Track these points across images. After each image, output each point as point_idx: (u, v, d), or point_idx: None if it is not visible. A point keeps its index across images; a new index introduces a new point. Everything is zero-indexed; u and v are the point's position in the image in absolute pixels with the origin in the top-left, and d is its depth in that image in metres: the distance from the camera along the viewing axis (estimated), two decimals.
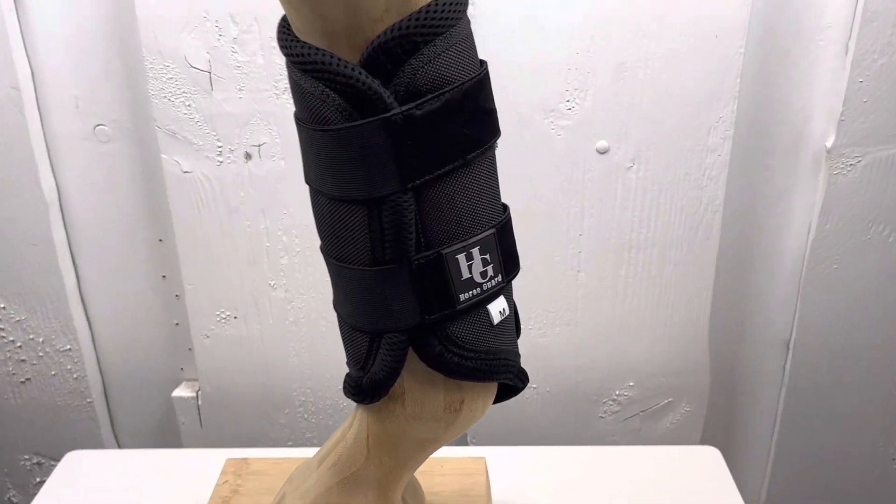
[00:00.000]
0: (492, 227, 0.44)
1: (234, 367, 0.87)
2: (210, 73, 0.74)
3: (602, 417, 0.90)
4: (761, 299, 0.89)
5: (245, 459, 0.71)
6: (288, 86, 0.74)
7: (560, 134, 0.76)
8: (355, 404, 0.50)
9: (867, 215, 0.81)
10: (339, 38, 0.39)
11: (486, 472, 0.68)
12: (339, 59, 0.39)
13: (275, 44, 0.73)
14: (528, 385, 0.87)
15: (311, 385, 0.88)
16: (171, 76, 0.74)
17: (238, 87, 0.74)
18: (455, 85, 0.40)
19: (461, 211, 0.43)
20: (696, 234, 0.81)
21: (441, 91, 0.40)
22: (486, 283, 0.44)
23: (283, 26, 0.42)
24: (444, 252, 0.42)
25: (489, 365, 0.46)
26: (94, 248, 0.85)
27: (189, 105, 0.75)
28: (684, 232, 0.81)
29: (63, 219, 0.83)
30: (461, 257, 0.43)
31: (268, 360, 0.87)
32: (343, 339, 0.48)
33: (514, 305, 0.49)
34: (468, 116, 0.41)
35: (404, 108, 0.39)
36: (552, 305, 0.84)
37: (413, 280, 0.43)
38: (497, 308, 0.46)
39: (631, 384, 0.88)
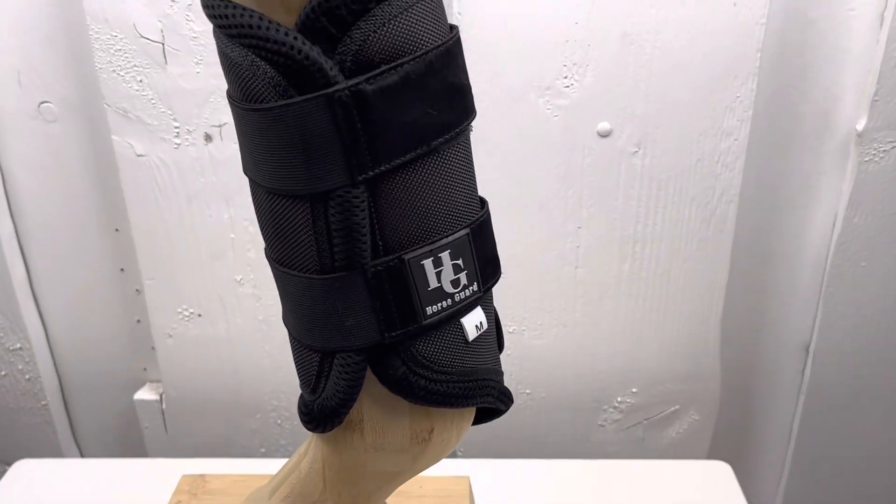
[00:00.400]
0: (465, 227, 0.37)
1: (201, 368, 0.80)
2: (163, 44, 0.66)
3: (602, 426, 0.83)
4: (779, 299, 0.81)
5: (202, 476, 0.64)
6: None
7: (557, 115, 0.68)
8: None
9: None
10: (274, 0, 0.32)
11: (471, 493, 0.62)
12: (271, 22, 0.32)
13: None
14: (522, 390, 0.81)
15: (285, 389, 0.81)
16: (119, 48, 0.66)
17: (195, 60, 0.67)
18: (417, 54, 0.33)
19: (427, 208, 0.35)
20: (709, 227, 0.73)
21: (399, 62, 0.33)
22: (458, 293, 0.37)
23: None
24: (406, 257, 0.35)
25: (463, 388, 0.39)
26: (45, 238, 0.78)
27: (141, 80, 0.67)
28: (695, 224, 0.73)
29: (9, 205, 0.76)
30: (427, 263, 0.36)
31: (237, 361, 0.80)
32: (294, 357, 0.41)
33: (496, 313, 0.41)
34: (433, 93, 0.34)
35: (351, 82, 0.32)
36: (548, 305, 0.77)
37: (370, 290, 0.36)
38: (473, 322, 0.38)
39: (634, 390, 0.81)
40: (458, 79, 0.35)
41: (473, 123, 0.37)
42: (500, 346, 0.42)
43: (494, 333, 0.41)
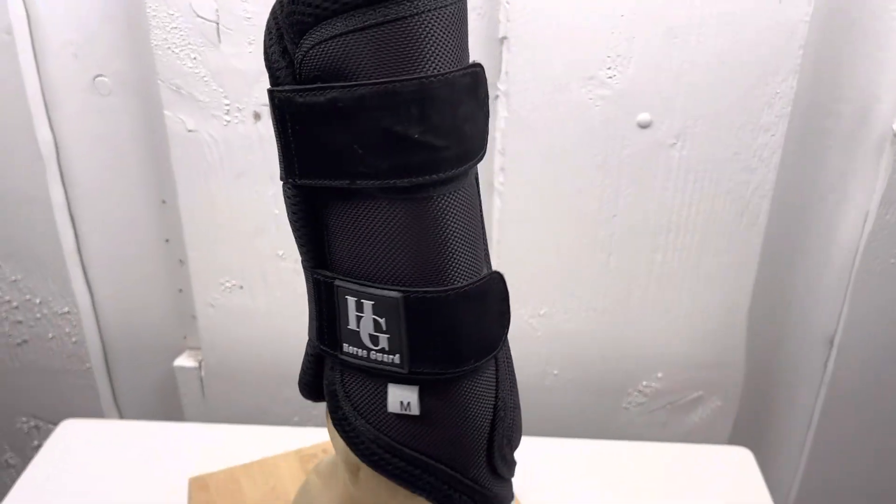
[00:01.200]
0: (398, 291, 0.34)
1: (240, 338, 0.83)
2: (217, 23, 0.68)
3: (626, 408, 0.85)
4: (807, 292, 0.82)
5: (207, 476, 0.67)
6: None
7: (598, 104, 0.70)
8: None
9: None
10: None
11: None
12: (270, 19, 0.34)
13: None
14: (550, 371, 0.83)
15: None
16: (175, 26, 0.68)
17: (248, 40, 0.68)
18: (349, 84, 0.31)
19: (364, 247, 0.34)
20: (742, 220, 0.74)
21: (329, 84, 0.32)
22: (374, 351, 0.35)
23: None
24: (336, 283, 0.35)
25: (384, 460, 0.36)
26: (94, 208, 0.80)
27: (195, 58, 0.69)
28: (729, 217, 0.74)
29: (61, 175, 0.78)
30: (351, 302, 0.35)
31: (274, 332, 0.82)
32: None
33: (513, 413, 0.39)
34: (364, 132, 0.32)
35: (284, 88, 0.33)
36: (579, 289, 0.78)
37: (315, 291, 0.37)
38: (397, 396, 0.35)
39: (659, 375, 0.83)
40: (404, 129, 0.32)
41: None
42: (513, 444, 0.40)
43: (471, 427, 0.37)
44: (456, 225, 0.34)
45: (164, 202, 0.80)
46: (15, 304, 0.83)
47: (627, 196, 0.74)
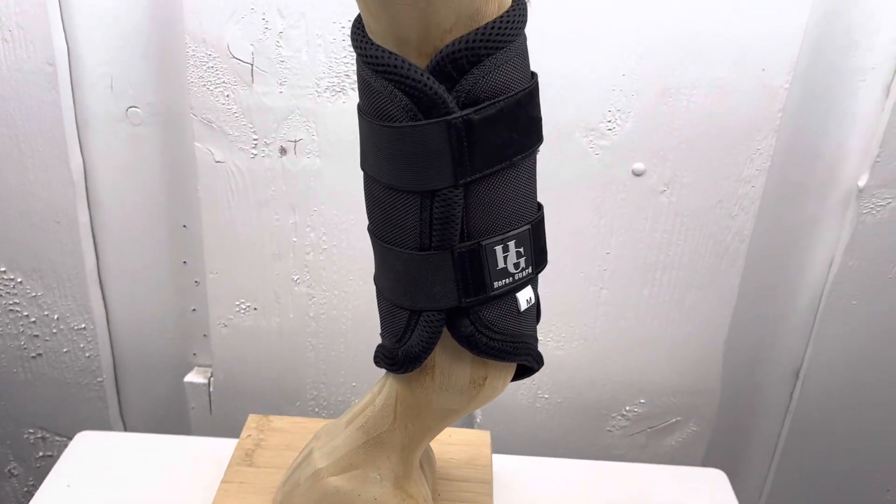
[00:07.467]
0: (528, 224, 0.47)
1: (249, 356, 0.87)
2: (252, 65, 0.73)
3: (610, 431, 0.91)
4: (777, 328, 0.90)
5: (267, 417, 0.74)
6: (329, 85, 0.74)
7: (598, 153, 0.76)
8: (384, 373, 0.54)
9: (890, 255, 0.82)
10: (411, 45, 0.42)
11: (490, 443, 0.73)
12: (410, 64, 0.42)
13: (319, 41, 0.72)
14: (541, 395, 0.89)
15: (325, 380, 0.88)
16: (212, 65, 0.73)
17: (279, 81, 0.73)
18: (509, 94, 0.43)
19: (502, 207, 0.46)
20: (722, 261, 0.81)
21: (497, 99, 0.43)
22: (517, 273, 0.47)
23: (357, 27, 0.44)
24: (483, 243, 0.46)
25: (513, 347, 0.49)
26: (117, 230, 0.84)
27: (228, 95, 0.74)
28: (711, 258, 0.81)
29: (87, 198, 0.82)
30: (498, 249, 0.46)
31: (284, 352, 0.87)
32: (381, 313, 0.51)
33: (538, 295, 0.52)
34: (518, 123, 0.44)
35: (464, 112, 0.42)
36: (572, 319, 0.85)
37: (454, 266, 0.46)
38: (525, 297, 0.49)
39: (642, 401, 0.89)
40: (535, 113, 0.46)
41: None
42: (538, 319, 0.53)
43: (536, 309, 0.52)
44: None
45: (184, 226, 0.84)
46: (33, 319, 0.86)
47: (620, 236, 0.80)
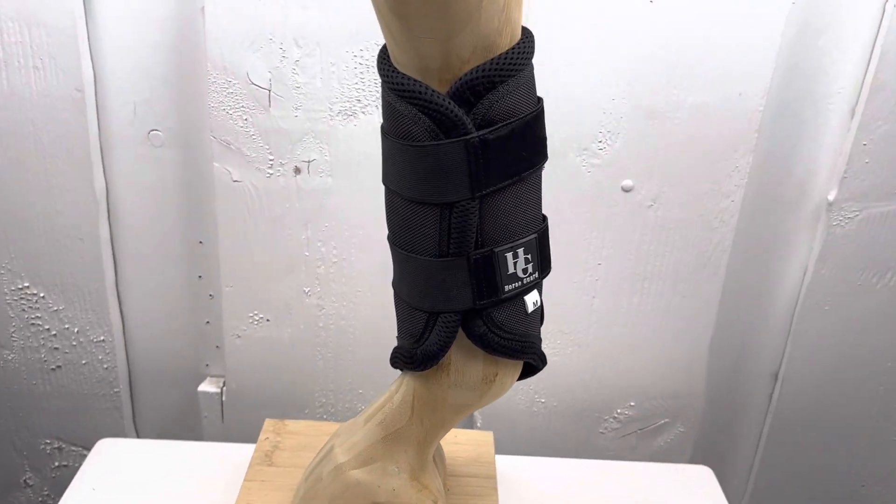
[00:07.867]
0: (535, 233, 0.52)
1: (261, 366, 0.91)
2: (270, 91, 0.78)
3: (602, 433, 0.96)
4: (756, 333, 0.95)
5: (282, 421, 0.78)
6: (341, 109, 0.79)
7: (590, 171, 0.82)
8: (400, 373, 0.59)
9: (859, 264, 0.88)
10: (433, 73, 0.47)
11: (493, 443, 0.77)
12: (433, 90, 0.47)
13: (333, 69, 0.77)
14: (538, 399, 0.94)
15: (334, 388, 0.93)
16: (231, 91, 0.78)
17: (295, 105, 0.79)
18: (520, 116, 0.49)
19: (513, 218, 0.51)
20: (704, 271, 0.87)
21: (509, 121, 0.48)
22: (525, 277, 0.52)
23: (384, 57, 0.49)
24: (496, 250, 0.51)
25: (521, 346, 0.54)
26: (135, 246, 0.88)
27: (246, 119, 0.79)
28: (694, 268, 0.87)
29: (108, 216, 0.86)
30: (509, 255, 0.51)
31: (293, 362, 0.91)
32: (399, 315, 0.56)
33: (541, 299, 0.57)
34: (527, 142, 0.50)
35: (481, 132, 0.48)
36: (566, 327, 0.90)
37: (470, 271, 0.51)
38: (532, 300, 0.54)
39: (632, 404, 0.94)
40: (542, 133, 0.52)
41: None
42: (542, 320, 0.58)
43: (541, 311, 0.57)
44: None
45: (200, 242, 0.89)
46: (54, 332, 0.90)
47: (611, 248, 0.86)
